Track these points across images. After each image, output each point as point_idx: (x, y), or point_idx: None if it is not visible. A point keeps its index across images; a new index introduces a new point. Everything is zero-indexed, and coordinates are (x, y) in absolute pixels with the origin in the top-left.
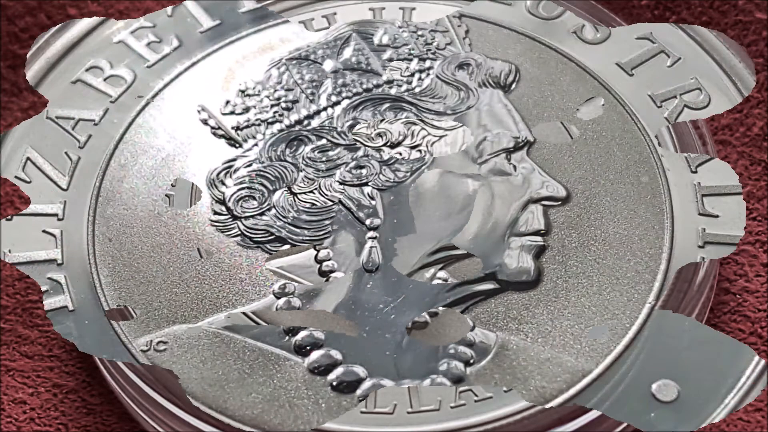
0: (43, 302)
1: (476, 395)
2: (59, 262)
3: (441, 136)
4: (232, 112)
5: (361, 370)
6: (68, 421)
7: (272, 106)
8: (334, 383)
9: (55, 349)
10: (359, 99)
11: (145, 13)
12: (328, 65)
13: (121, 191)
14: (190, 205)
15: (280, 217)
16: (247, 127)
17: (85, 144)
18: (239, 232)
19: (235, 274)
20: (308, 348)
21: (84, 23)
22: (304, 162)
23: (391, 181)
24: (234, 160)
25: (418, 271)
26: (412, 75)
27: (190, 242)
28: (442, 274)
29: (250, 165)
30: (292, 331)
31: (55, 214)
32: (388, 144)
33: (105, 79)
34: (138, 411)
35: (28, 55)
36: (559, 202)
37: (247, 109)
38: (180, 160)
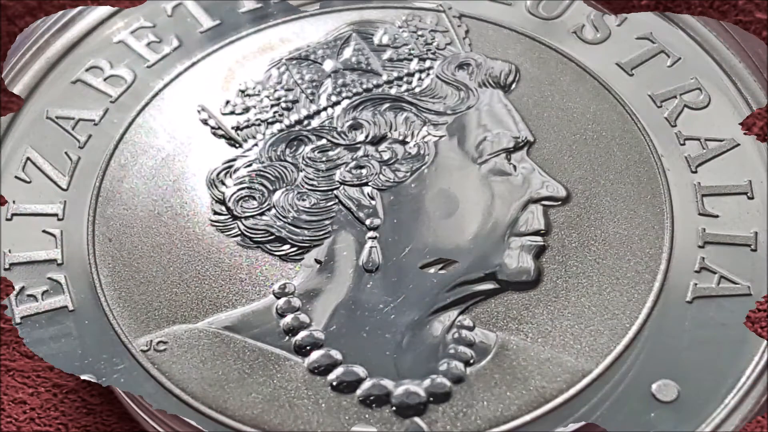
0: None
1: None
2: (59, 262)
3: (441, 136)
4: (232, 112)
5: (361, 370)
6: (68, 421)
7: (272, 106)
8: (334, 383)
9: None
10: (359, 99)
11: None
12: (328, 65)
13: (121, 191)
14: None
15: (280, 217)
16: (247, 127)
17: (85, 144)
18: (239, 232)
19: (235, 274)
20: (308, 348)
21: (84, 23)
22: (304, 162)
23: (391, 181)
24: (234, 160)
25: (419, 271)
26: (412, 75)
27: (190, 242)
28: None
29: (250, 165)
30: (292, 331)
31: (55, 214)
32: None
33: (105, 79)
34: (138, 411)
35: (13, 45)
36: (559, 202)
37: (247, 109)
38: (180, 160)
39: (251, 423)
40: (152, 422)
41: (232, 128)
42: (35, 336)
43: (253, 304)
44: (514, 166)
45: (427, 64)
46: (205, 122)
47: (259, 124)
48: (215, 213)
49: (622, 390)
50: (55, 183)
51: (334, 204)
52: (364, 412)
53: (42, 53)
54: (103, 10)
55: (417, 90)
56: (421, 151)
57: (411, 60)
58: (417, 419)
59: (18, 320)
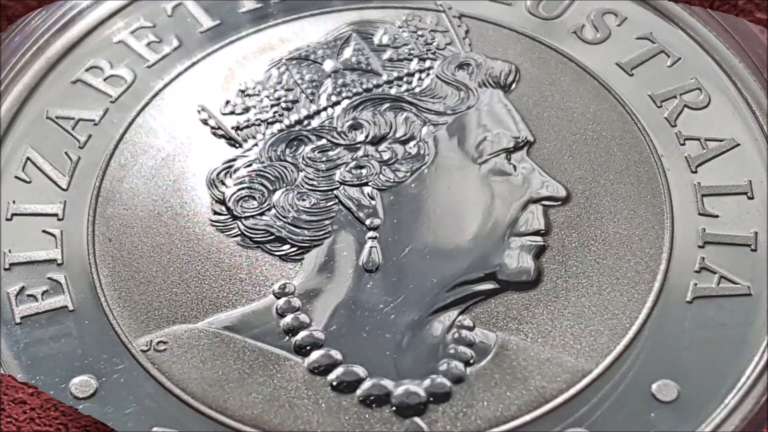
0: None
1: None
2: (59, 262)
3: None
4: (232, 112)
5: (361, 370)
6: (68, 421)
7: (272, 106)
8: (334, 383)
9: None
10: (359, 99)
11: None
12: (328, 65)
13: (121, 191)
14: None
15: (280, 217)
16: (247, 127)
17: (85, 144)
18: (239, 232)
19: (235, 274)
20: (308, 348)
21: (84, 23)
22: (304, 162)
23: (391, 181)
24: (234, 160)
25: (419, 271)
26: (412, 75)
27: (190, 242)
28: None
29: (250, 165)
30: (292, 331)
31: (55, 214)
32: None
33: (105, 79)
34: None
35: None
36: (559, 202)
37: (247, 109)
38: (180, 160)
39: (251, 423)
40: None
41: (232, 128)
42: (35, 336)
43: (253, 304)
44: (514, 166)
45: (427, 64)
46: (205, 122)
47: (259, 124)
48: (215, 213)
49: (622, 390)
50: (55, 183)
51: (334, 204)
52: (364, 412)
53: (42, 53)
54: (103, 10)
55: (417, 90)
56: (421, 151)
57: (411, 60)
58: (417, 419)
59: (18, 320)
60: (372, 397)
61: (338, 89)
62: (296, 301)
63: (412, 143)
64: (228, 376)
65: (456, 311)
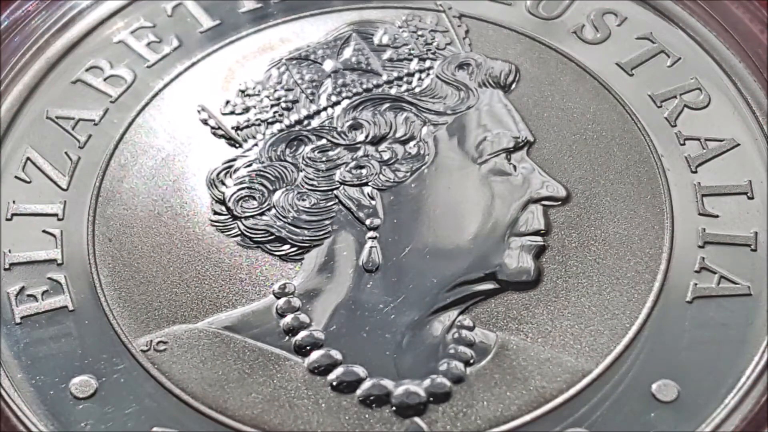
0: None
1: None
2: (59, 262)
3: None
4: (232, 112)
5: (361, 370)
6: None
7: (272, 106)
8: (334, 383)
9: None
10: (359, 99)
11: None
12: (328, 65)
13: (121, 191)
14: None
15: (280, 217)
16: (247, 127)
17: (85, 144)
18: (239, 232)
19: (235, 274)
20: (308, 348)
21: (84, 23)
22: (304, 162)
23: (391, 181)
24: (234, 160)
25: (419, 271)
26: (412, 75)
27: (190, 242)
28: None
29: (250, 165)
30: (292, 331)
31: (55, 214)
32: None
33: (105, 79)
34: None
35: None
36: (559, 202)
37: (247, 109)
38: (180, 160)
39: (251, 423)
40: None
41: (232, 128)
42: (35, 336)
43: (253, 304)
44: (514, 166)
45: (427, 64)
46: (205, 122)
47: (259, 124)
48: (215, 213)
49: (622, 390)
50: (55, 183)
51: (334, 204)
52: (364, 412)
53: (42, 53)
54: (103, 10)
55: (417, 90)
56: (421, 151)
57: (411, 60)
58: (417, 419)
59: (18, 320)
60: (372, 397)
61: (338, 89)
62: (296, 301)
63: (412, 143)
64: (228, 376)
65: (456, 311)
